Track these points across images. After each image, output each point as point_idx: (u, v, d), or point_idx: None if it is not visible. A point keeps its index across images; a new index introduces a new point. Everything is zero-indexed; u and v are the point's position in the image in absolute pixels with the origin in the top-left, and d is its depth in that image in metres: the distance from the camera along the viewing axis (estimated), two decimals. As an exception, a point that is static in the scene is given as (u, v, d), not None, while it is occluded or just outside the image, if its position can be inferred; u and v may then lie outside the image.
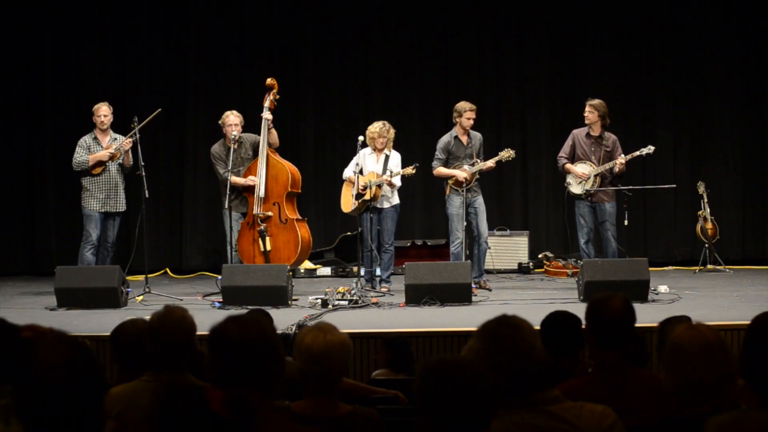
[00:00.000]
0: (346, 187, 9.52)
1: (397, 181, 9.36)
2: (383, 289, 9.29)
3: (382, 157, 9.38)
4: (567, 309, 4.21)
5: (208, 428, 2.29)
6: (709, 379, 2.76)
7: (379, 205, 9.39)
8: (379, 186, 9.27)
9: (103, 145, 9.30)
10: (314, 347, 3.10)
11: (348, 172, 9.48)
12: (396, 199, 9.49)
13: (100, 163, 9.21)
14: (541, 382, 2.66)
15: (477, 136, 9.50)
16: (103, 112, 9.31)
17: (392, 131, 9.44)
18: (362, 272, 9.42)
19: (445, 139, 9.49)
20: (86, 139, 9.34)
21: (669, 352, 2.84)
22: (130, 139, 9.13)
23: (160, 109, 9.35)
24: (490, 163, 9.31)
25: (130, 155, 9.28)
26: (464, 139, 9.42)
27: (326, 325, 3.18)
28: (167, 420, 2.31)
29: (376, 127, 9.39)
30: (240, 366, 2.61)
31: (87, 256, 9.17)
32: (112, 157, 9.20)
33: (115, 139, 9.36)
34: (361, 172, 9.36)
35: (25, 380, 2.14)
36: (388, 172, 9.28)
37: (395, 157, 9.41)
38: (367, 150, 9.45)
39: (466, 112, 9.35)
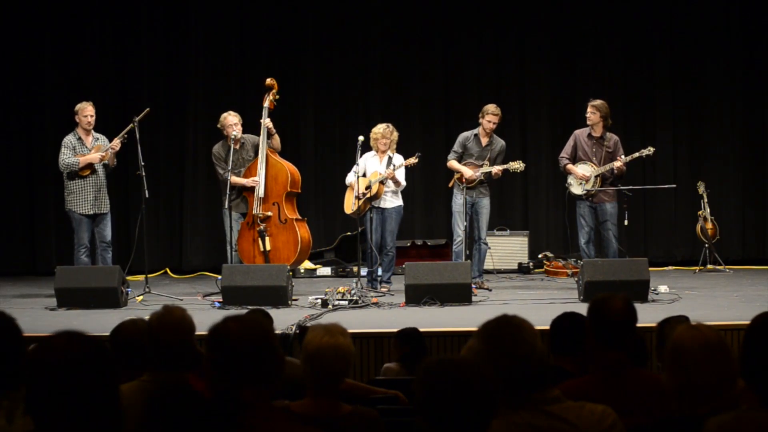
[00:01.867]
0: (349, 191, 9.52)
1: (402, 179, 9.35)
2: (383, 289, 9.29)
3: (385, 158, 9.38)
4: (568, 309, 4.21)
5: (193, 408, 2.29)
6: (710, 380, 2.75)
7: (382, 206, 9.38)
8: (382, 182, 9.27)
9: (87, 145, 9.18)
10: (309, 346, 3.12)
11: (351, 177, 9.48)
12: (399, 201, 9.49)
13: (89, 165, 9.14)
14: (542, 382, 2.66)
15: (500, 143, 9.49)
16: (90, 112, 9.16)
17: (395, 133, 9.44)
18: (364, 272, 9.42)
19: (466, 134, 9.54)
20: (71, 140, 9.17)
21: (670, 353, 2.83)
22: (119, 140, 9.08)
23: (148, 109, 9.28)
24: (497, 168, 9.29)
25: (114, 156, 9.19)
26: (484, 140, 9.43)
27: (333, 327, 3.18)
28: (153, 409, 2.32)
29: (379, 129, 9.40)
30: (238, 364, 2.61)
31: (82, 260, 9.09)
32: (101, 159, 9.13)
33: (97, 139, 9.28)
34: (363, 174, 9.37)
35: (32, 377, 2.16)
36: (391, 166, 9.28)
37: (398, 160, 9.41)
38: (370, 153, 9.45)
39: (488, 114, 9.37)
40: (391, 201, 9.43)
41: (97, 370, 2.19)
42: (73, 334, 2.26)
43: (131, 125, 9.08)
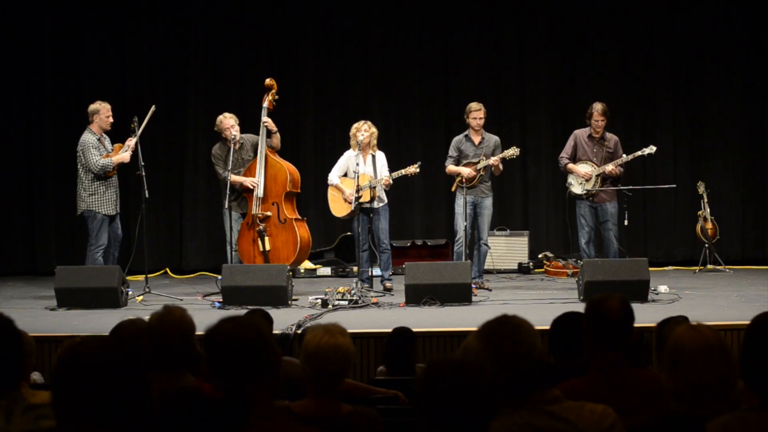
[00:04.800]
0: (333, 192, 9.52)
1: (390, 179, 9.38)
2: (388, 285, 9.29)
3: (369, 158, 9.38)
4: (568, 309, 4.21)
5: (202, 410, 2.30)
6: (710, 380, 2.75)
7: (371, 206, 9.35)
8: (374, 187, 9.26)
9: (106, 145, 9.18)
10: (308, 346, 3.12)
11: (334, 178, 9.48)
12: (385, 198, 9.50)
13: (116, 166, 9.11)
14: (541, 382, 2.66)
15: (493, 138, 9.50)
16: (110, 112, 9.15)
17: (374, 129, 9.40)
18: (362, 274, 9.37)
19: (458, 137, 9.57)
20: (94, 140, 9.08)
21: (669, 353, 2.83)
22: (135, 139, 9.08)
23: (154, 107, 9.29)
24: (493, 160, 9.27)
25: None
26: (476, 139, 9.44)
27: (333, 327, 3.18)
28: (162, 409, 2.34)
29: (356, 124, 9.41)
30: (234, 365, 2.62)
31: (99, 260, 8.99)
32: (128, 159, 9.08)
33: (106, 139, 9.25)
34: (345, 174, 9.39)
35: (62, 379, 2.18)
36: (386, 173, 9.27)
37: (382, 158, 9.43)
38: (351, 152, 9.41)
39: (471, 112, 9.41)
40: (381, 199, 9.42)
41: (129, 372, 2.21)
42: (101, 338, 2.28)
43: (140, 126, 9.08)
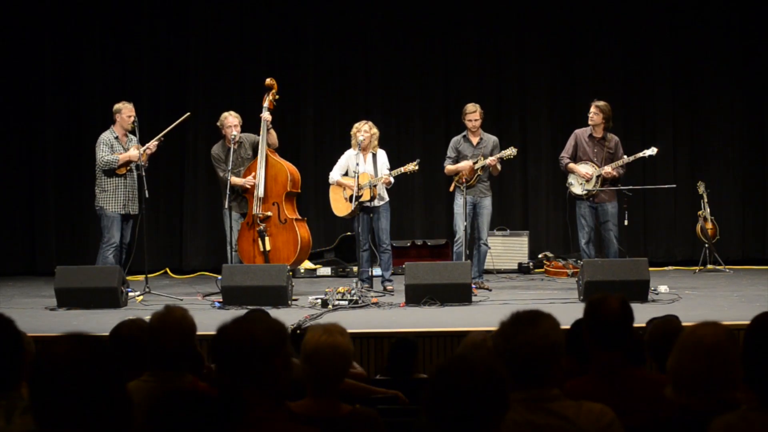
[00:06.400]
0: (334, 191, 9.53)
1: (392, 178, 9.38)
2: (389, 288, 9.29)
3: (369, 156, 9.38)
4: (568, 309, 4.20)
5: (194, 407, 2.29)
6: (714, 377, 2.76)
7: (372, 205, 9.35)
8: (375, 185, 9.26)
9: (123, 144, 9.16)
10: (307, 346, 3.12)
11: (335, 176, 9.48)
12: (386, 197, 9.50)
13: (126, 164, 9.09)
14: (544, 379, 2.66)
15: (491, 138, 9.52)
16: (133, 112, 9.10)
17: (375, 129, 9.41)
18: (362, 274, 9.37)
19: (456, 138, 9.60)
20: (109, 137, 9.08)
21: (680, 345, 2.84)
22: (157, 142, 9.06)
23: (188, 113, 9.34)
24: (490, 159, 9.28)
25: (147, 157, 9.10)
26: (474, 139, 9.45)
27: (332, 327, 3.18)
28: (157, 409, 2.33)
29: (357, 124, 9.41)
30: (235, 366, 2.61)
31: (110, 259, 8.98)
32: (139, 157, 9.03)
33: (131, 140, 9.27)
34: (346, 174, 9.39)
35: (35, 379, 2.18)
36: (386, 171, 9.28)
37: (382, 156, 9.43)
38: (352, 151, 9.42)
39: (467, 114, 9.43)
40: (381, 198, 9.42)
41: (101, 370, 2.20)
42: (77, 335, 2.27)
43: (168, 128, 9.09)
